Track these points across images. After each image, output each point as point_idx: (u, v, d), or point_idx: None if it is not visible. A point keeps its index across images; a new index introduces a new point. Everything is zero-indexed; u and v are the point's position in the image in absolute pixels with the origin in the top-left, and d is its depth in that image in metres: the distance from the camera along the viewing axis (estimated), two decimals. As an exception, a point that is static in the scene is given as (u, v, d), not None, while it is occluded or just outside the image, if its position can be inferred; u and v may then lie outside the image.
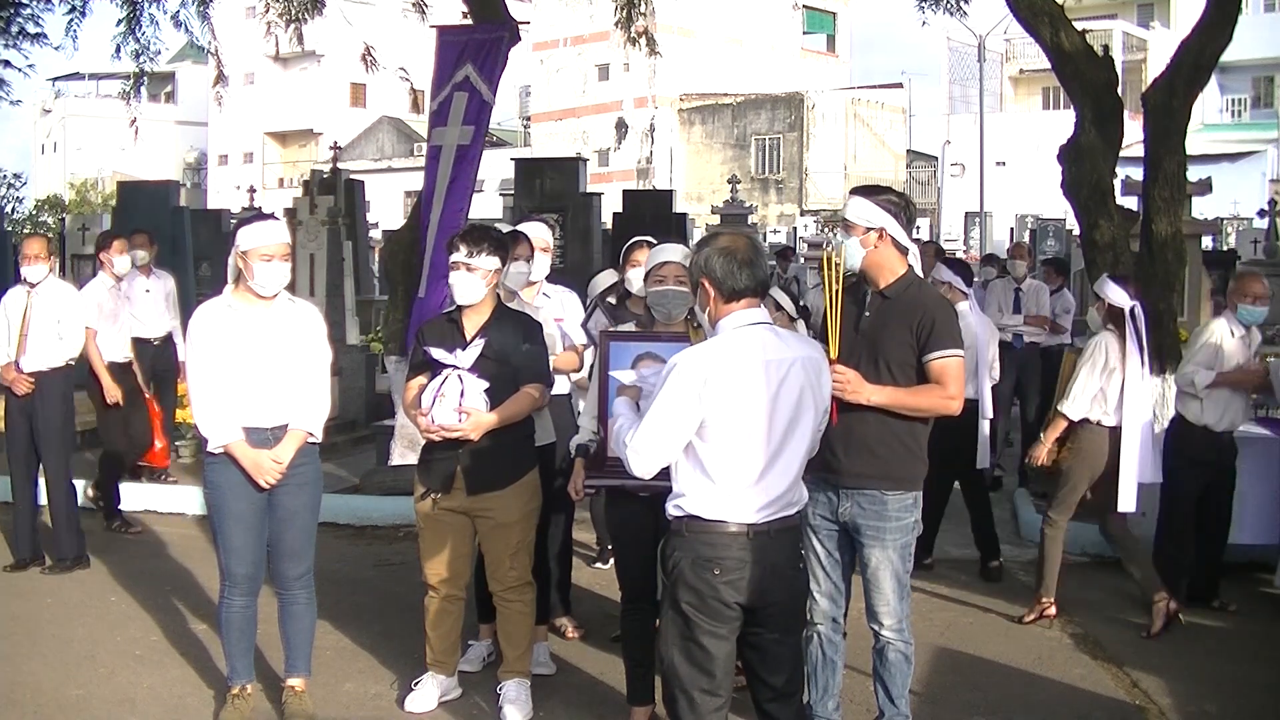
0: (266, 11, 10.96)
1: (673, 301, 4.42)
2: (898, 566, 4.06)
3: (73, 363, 6.81)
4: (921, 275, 4.30)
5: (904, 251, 4.08)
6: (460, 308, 4.57)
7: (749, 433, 3.36)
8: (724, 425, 3.34)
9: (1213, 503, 6.09)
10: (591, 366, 4.88)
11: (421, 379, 4.55)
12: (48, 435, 6.62)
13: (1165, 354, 7.21)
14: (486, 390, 4.39)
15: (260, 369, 4.41)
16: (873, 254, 4.04)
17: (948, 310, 4.13)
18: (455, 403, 4.35)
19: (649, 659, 4.42)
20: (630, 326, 4.67)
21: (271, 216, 4.76)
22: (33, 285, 6.62)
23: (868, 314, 4.06)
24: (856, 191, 4.17)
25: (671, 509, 3.44)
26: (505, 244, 4.66)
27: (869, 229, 4.03)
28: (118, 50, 10.70)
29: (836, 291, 4.04)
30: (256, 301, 4.45)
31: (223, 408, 4.39)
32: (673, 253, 4.49)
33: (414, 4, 11.32)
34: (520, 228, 5.51)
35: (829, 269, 4.05)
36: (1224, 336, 6.01)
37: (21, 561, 6.69)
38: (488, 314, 4.56)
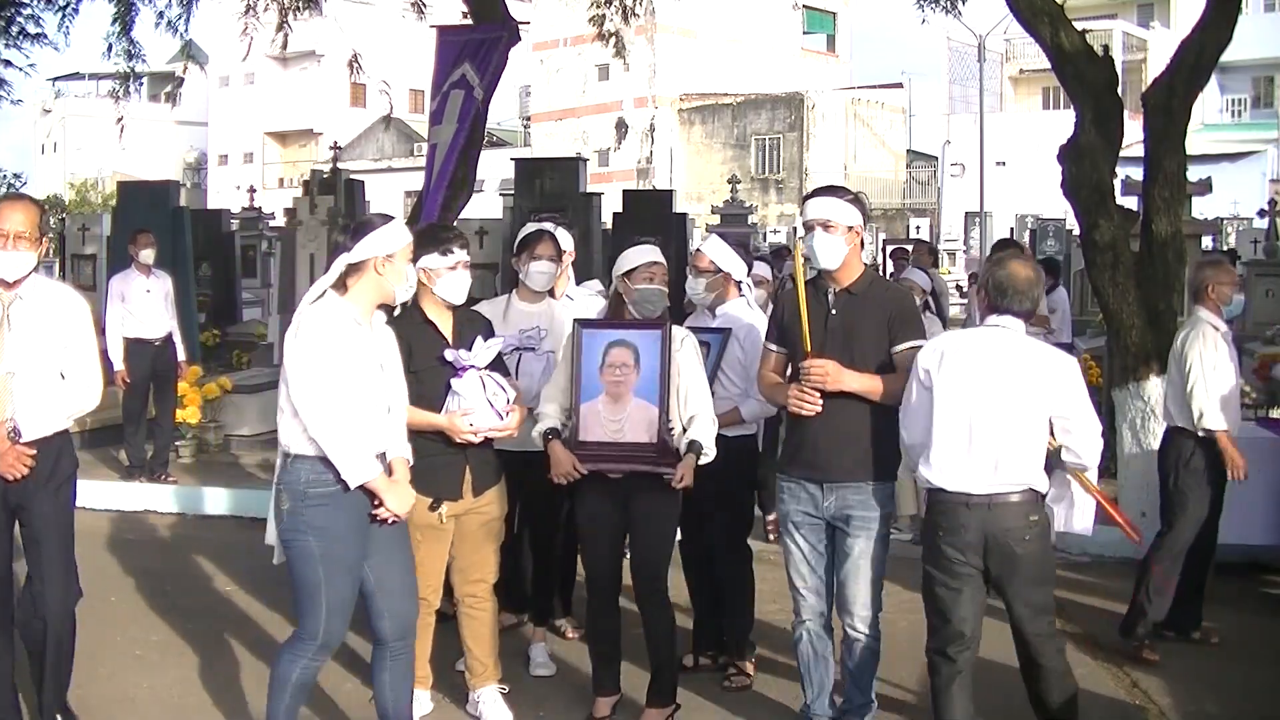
0: (247, 12, 10.98)
1: (659, 300, 4.56)
2: (879, 557, 4.18)
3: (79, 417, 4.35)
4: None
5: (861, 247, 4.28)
6: (420, 308, 4.41)
7: None
8: None
9: (1205, 524, 5.53)
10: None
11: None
12: (48, 538, 4.12)
13: (1164, 355, 7.20)
14: None
15: (382, 391, 3.90)
16: (849, 253, 4.15)
17: (912, 303, 4.37)
18: (505, 402, 4.32)
19: (615, 651, 4.59)
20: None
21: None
22: (9, 285, 4.00)
23: (834, 311, 4.13)
24: (826, 192, 4.27)
25: None
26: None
27: (850, 227, 4.14)
28: (109, 50, 10.71)
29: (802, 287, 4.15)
30: (373, 315, 3.90)
31: (361, 438, 3.77)
32: (656, 253, 4.64)
33: (412, 4, 11.36)
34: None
35: (796, 264, 4.19)
36: (1217, 342, 5.46)
37: None
38: (453, 313, 4.49)
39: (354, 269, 3.82)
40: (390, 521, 3.86)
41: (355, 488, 3.74)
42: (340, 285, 3.84)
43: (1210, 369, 5.40)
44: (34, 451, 3.97)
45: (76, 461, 4.26)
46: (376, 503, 3.80)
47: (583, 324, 4.54)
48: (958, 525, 3.92)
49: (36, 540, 4.12)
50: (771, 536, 5.16)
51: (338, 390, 3.71)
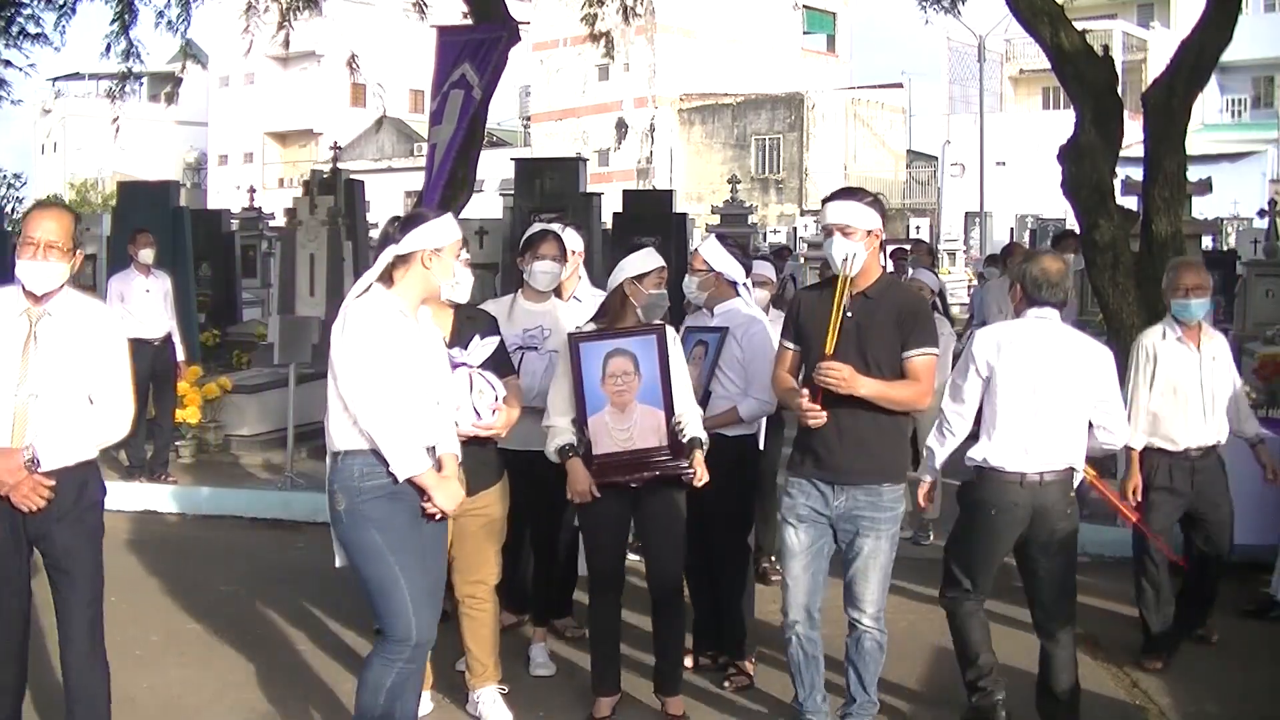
0: (247, 11, 11.01)
1: (666, 304, 4.65)
2: (887, 556, 4.20)
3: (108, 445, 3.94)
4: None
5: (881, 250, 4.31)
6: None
7: None
8: None
9: (1199, 532, 5.46)
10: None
11: None
12: (69, 569, 3.75)
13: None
14: None
15: (430, 384, 3.88)
16: (869, 256, 4.13)
17: (927, 310, 4.36)
18: (491, 401, 4.32)
19: (616, 651, 4.63)
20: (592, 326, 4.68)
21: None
22: (38, 299, 3.66)
23: (849, 314, 4.12)
24: (845, 195, 4.22)
25: None
26: None
27: (870, 231, 4.11)
28: (108, 49, 10.73)
29: (841, 294, 4.09)
30: (418, 308, 3.89)
31: (410, 431, 3.73)
32: (660, 258, 4.67)
33: (413, 4, 11.39)
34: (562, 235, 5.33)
35: (843, 278, 4.08)
36: (1155, 347, 5.32)
37: None
38: (454, 311, 4.50)
39: (401, 261, 3.79)
40: (437, 518, 3.84)
41: (404, 481, 3.71)
42: (386, 278, 3.81)
43: (1142, 381, 5.33)
44: (52, 482, 3.58)
45: (104, 488, 3.86)
46: (425, 498, 3.77)
47: (578, 338, 4.52)
48: (1010, 503, 4.30)
49: (57, 569, 3.74)
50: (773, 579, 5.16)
51: (387, 382, 3.68)
